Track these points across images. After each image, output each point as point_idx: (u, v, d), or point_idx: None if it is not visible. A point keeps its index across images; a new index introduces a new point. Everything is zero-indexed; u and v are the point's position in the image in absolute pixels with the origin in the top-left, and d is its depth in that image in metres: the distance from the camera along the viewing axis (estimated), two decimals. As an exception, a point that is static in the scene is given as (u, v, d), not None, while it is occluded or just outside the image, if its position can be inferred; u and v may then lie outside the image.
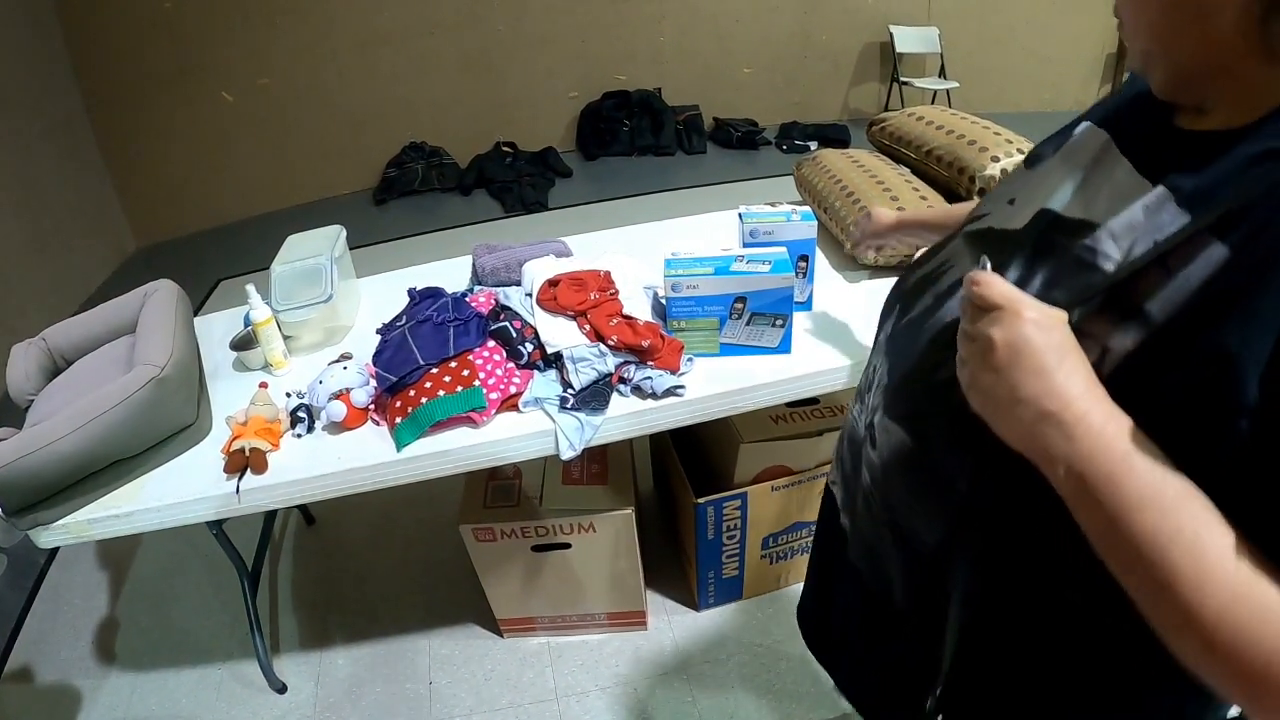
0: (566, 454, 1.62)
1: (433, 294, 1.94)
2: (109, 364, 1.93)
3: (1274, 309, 0.54)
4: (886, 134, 2.58)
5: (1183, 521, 0.56)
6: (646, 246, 2.21)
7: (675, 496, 2.27)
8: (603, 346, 1.67)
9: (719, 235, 2.35)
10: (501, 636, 2.34)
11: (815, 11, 6.41)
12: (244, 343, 2.06)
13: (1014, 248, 0.77)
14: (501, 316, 1.81)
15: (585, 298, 1.76)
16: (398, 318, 1.92)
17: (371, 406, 1.72)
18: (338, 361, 1.79)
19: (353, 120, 5.75)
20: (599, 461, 2.08)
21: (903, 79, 6.70)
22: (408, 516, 2.84)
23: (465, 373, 1.65)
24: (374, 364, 1.76)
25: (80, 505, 1.71)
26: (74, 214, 5.06)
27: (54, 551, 2.96)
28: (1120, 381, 0.62)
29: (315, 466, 1.67)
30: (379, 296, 2.22)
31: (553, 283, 1.82)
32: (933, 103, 6.84)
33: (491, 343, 1.75)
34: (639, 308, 1.82)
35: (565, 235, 2.28)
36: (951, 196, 2.23)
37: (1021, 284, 0.71)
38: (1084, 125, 0.83)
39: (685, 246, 1.81)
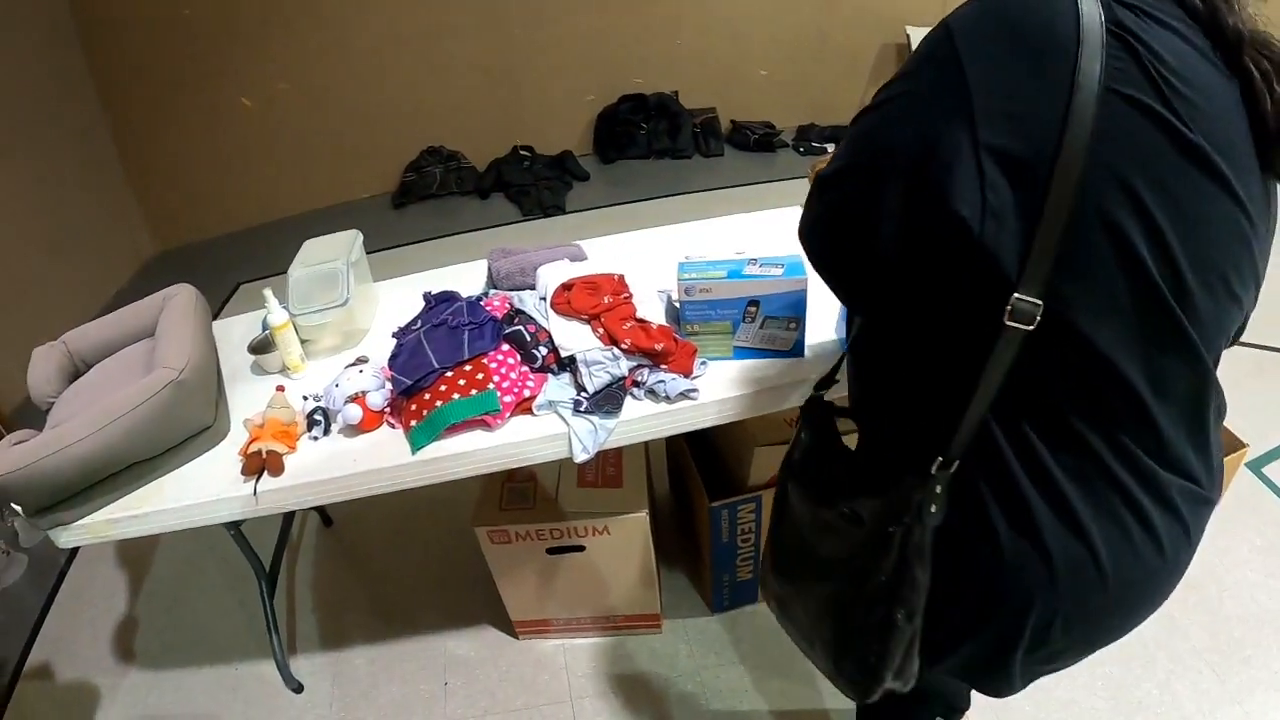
0: (580, 457, 1.63)
1: (448, 298, 1.96)
2: (128, 367, 1.95)
3: None
4: None
5: None
6: (661, 250, 2.20)
7: (690, 499, 2.27)
8: (616, 350, 1.68)
9: (733, 239, 2.35)
10: (517, 638, 2.35)
11: (831, 11, 6.32)
12: (262, 346, 2.08)
13: None
14: (516, 320, 1.81)
15: (599, 301, 1.76)
16: (413, 321, 1.93)
17: (387, 409, 1.74)
18: (354, 365, 1.80)
19: (370, 124, 5.75)
20: (614, 464, 2.08)
21: None
22: (425, 518, 2.86)
23: (479, 376, 1.66)
24: (389, 367, 1.77)
25: (100, 506, 1.73)
26: (92, 219, 5.09)
27: (74, 552, 3.00)
28: None
29: (331, 469, 1.68)
30: (396, 300, 2.23)
31: (567, 286, 1.82)
32: None
33: (506, 346, 1.76)
34: (653, 311, 1.82)
35: (582, 239, 2.29)
36: None
37: None
38: None
39: (699, 250, 1.82)
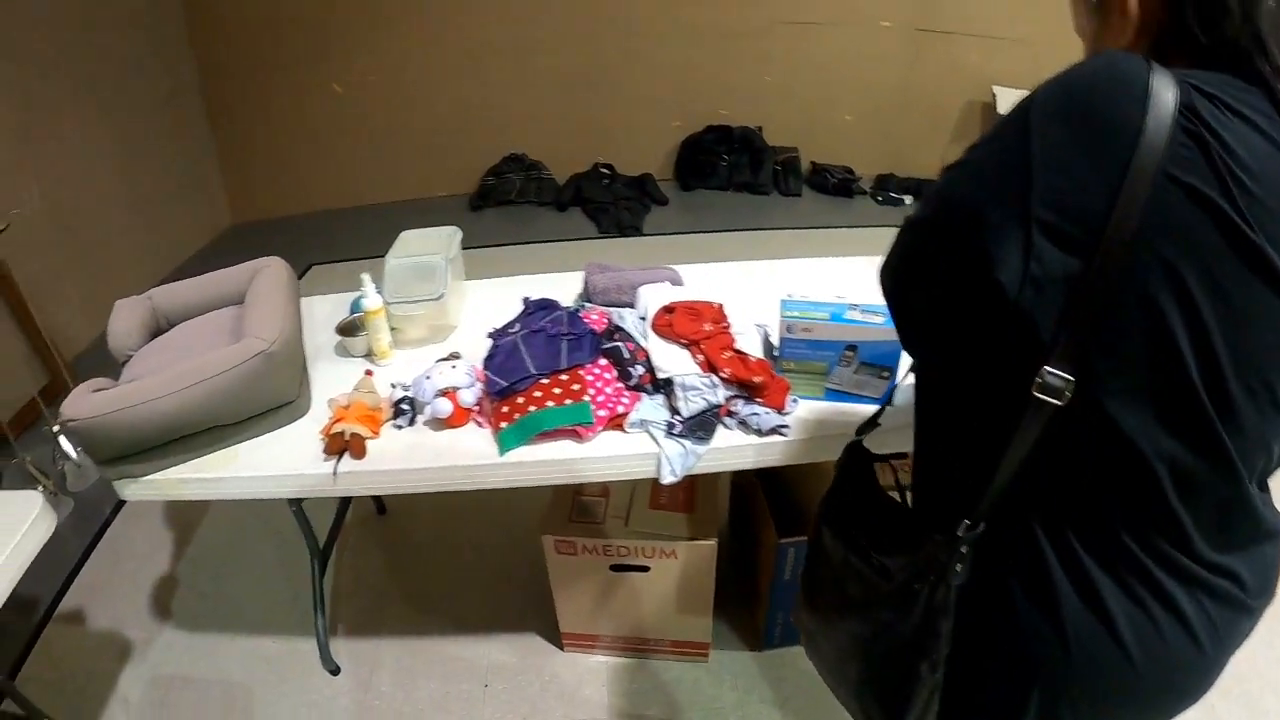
0: (667, 478, 1.62)
1: (547, 305, 1.96)
2: (214, 331, 1.97)
3: None
4: None
5: None
6: (754, 284, 2.22)
7: (755, 533, 2.25)
8: (714, 378, 1.67)
9: (824, 282, 2.33)
10: (562, 649, 2.33)
11: (920, 64, 6.31)
12: (349, 328, 2.09)
13: None
14: (615, 336, 1.81)
15: (700, 328, 1.76)
16: (510, 324, 1.94)
17: (476, 408, 1.73)
18: (446, 360, 1.81)
19: (456, 125, 5.82)
20: (687, 489, 2.07)
21: None
22: (478, 517, 2.86)
23: (575, 387, 1.66)
24: (485, 367, 1.78)
25: (171, 464, 1.74)
26: (175, 183, 5.21)
27: (120, 504, 3.02)
28: None
29: (413, 459, 1.69)
30: (484, 301, 2.24)
31: (668, 309, 1.82)
32: None
33: (603, 361, 1.76)
34: (750, 343, 1.81)
35: (661, 263, 2.28)
36: None
37: None
38: None
39: (795, 289, 1.80)
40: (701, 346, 1.73)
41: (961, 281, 0.87)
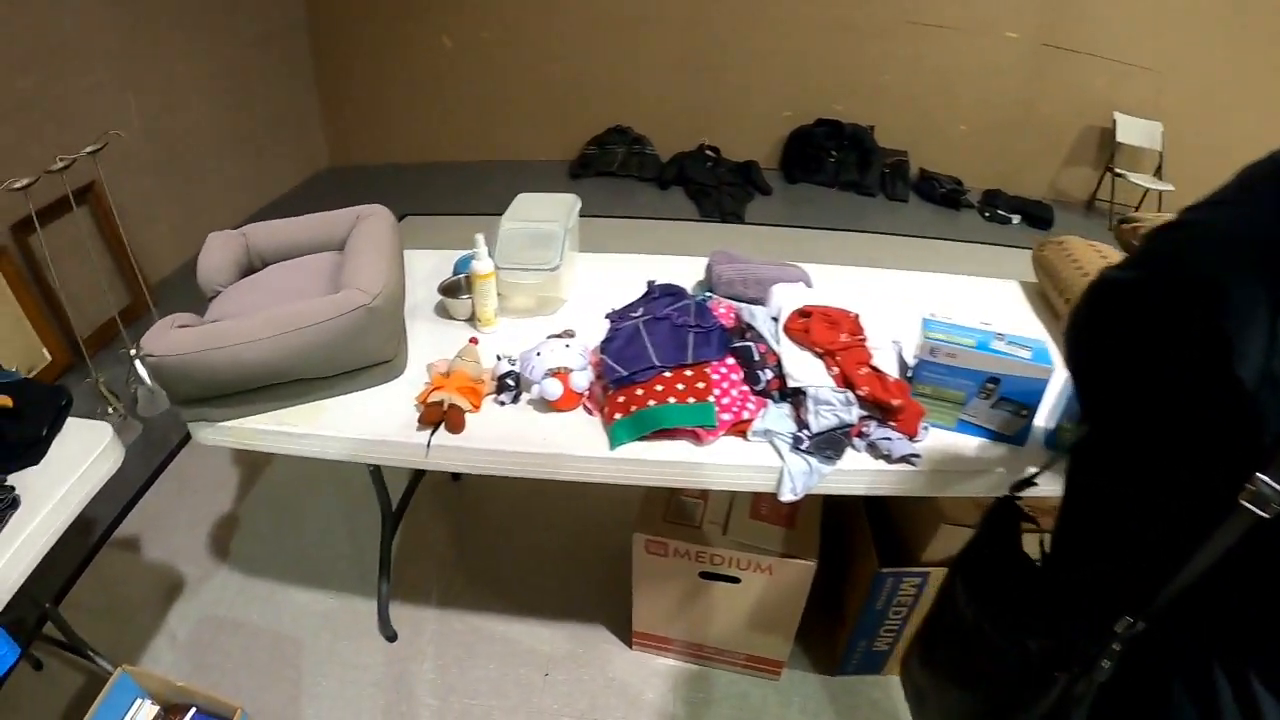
0: (786, 495, 1.50)
1: (674, 292, 1.83)
2: (310, 277, 1.87)
3: None
4: (1139, 236, 2.39)
5: None
6: (888, 293, 2.12)
7: (850, 557, 2.13)
8: (849, 394, 1.54)
9: (966, 301, 2.24)
10: (630, 647, 2.23)
11: (1042, 82, 6.14)
12: (452, 289, 2.00)
13: None
14: (746, 335, 1.68)
15: (836, 338, 1.63)
16: (631, 307, 1.81)
17: (586, 393, 1.62)
18: (559, 337, 1.70)
19: (564, 92, 5.76)
20: (791, 503, 1.95)
21: (1117, 170, 6.38)
22: (556, 498, 2.77)
23: (700, 385, 1.54)
24: (602, 352, 1.65)
25: (250, 412, 1.66)
26: (275, 120, 5.26)
27: (188, 435, 2.98)
28: None
29: (515, 441, 1.58)
30: (596, 276, 2.14)
31: (803, 313, 1.69)
32: (1142, 202, 6.56)
33: (730, 360, 1.63)
34: (886, 360, 1.68)
35: (763, 255, 2.16)
36: None
37: None
38: None
39: (939, 308, 1.68)
40: (837, 358, 1.60)
41: (1180, 364, 0.78)
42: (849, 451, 1.56)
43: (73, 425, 1.70)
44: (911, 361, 1.72)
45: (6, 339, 3.15)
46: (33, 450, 1.61)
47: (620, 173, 5.68)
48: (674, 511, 1.92)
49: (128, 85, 3.90)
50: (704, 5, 5.54)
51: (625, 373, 1.55)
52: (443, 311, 2.00)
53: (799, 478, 1.50)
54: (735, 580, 1.93)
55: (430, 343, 1.87)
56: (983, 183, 6.27)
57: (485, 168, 5.81)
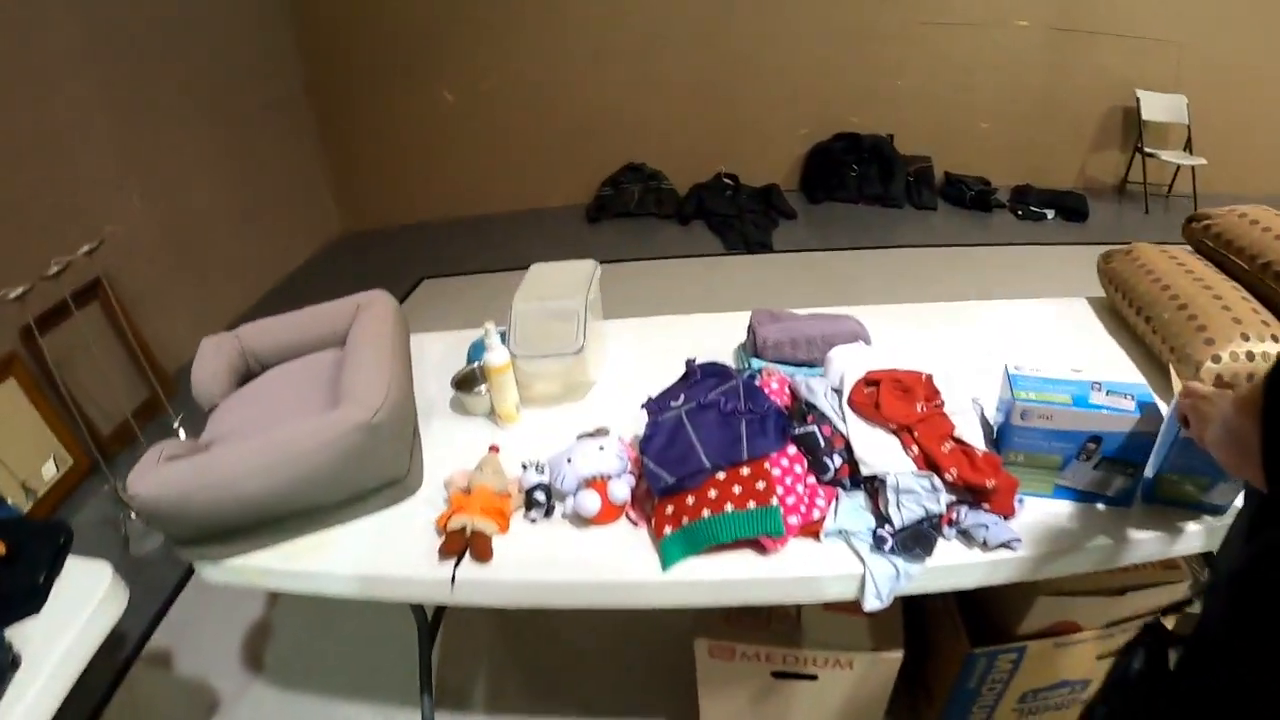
0: (872, 605, 1.28)
1: (717, 372, 1.60)
2: (309, 382, 1.69)
3: None
4: (1211, 235, 2.16)
5: None
6: (958, 336, 1.94)
7: (935, 635, 1.91)
8: (935, 479, 1.32)
9: (1036, 328, 2.08)
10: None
11: (1059, 67, 5.99)
12: (468, 381, 1.80)
13: None
14: (808, 418, 1.46)
15: (911, 409, 1.40)
16: (670, 393, 1.57)
17: (630, 500, 1.41)
18: (592, 437, 1.49)
19: (572, 134, 5.62)
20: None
21: (1147, 150, 6.18)
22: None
23: (760, 485, 1.32)
24: (643, 452, 1.42)
25: (255, 547, 1.47)
26: (285, 190, 5.16)
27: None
28: None
29: (551, 567, 1.37)
30: (627, 348, 1.95)
31: (869, 381, 1.47)
32: (1174, 179, 6.36)
33: (792, 449, 1.41)
34: (968, 426, 1.46)
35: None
36: None
37: None
38: None
39: (1024, 358, 1.47)
40: (915, 435, 1.37)
41: None
42: (940, 542, 1.34)
43: (73, 566, 1.54)
44: (995, 420, 1.51)
45: (27, 445, 3.04)
46: (31, 599, 1.44)
47: (638, 211, 5.50)
48: (738, 610, 1.70)
49: (129, 171, 3.80)
50: (708, 28, 5.39)
51: (672, 479, 1.33)
52: (459, 407, 1.80)
53: (884, 583, 1.28)
54: (813, 678, 1.71)
55: (447, 445, 1.68)
56: (1011, 180, 6.11)
57: (500, 220, 5.66)
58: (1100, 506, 1.46)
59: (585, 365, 1.73)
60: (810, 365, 1.72)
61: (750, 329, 1.81)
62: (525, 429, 1.71)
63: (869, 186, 5.70)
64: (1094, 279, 2.26)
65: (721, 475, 1.34)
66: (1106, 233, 5.69)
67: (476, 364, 1.80)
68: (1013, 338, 2.03)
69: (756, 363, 1.73)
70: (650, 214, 5.49)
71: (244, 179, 4.69)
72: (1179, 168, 6.28)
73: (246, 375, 1.83)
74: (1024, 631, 1.75)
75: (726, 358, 1.85)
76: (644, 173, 5.65)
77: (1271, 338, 1.78)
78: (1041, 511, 1.44)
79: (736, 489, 1.31)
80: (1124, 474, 1.41)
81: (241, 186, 4.66)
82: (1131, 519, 1.43)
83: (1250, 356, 1.75)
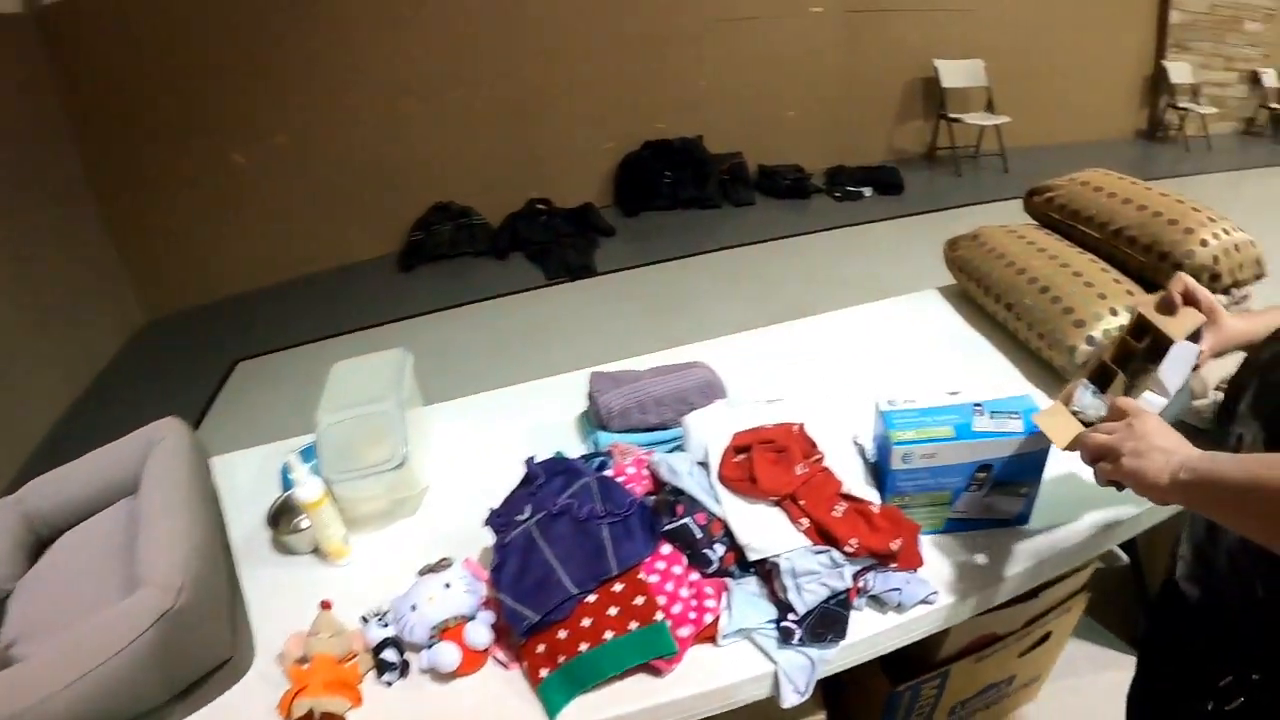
0: (791, 700, 1.12)
1: (563, 469, 1.37)
2: (105, 553, 1.40)
3: None
4: (1056, 206, 2.13)
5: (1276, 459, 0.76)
6: (817, 357, 1.85)
7: (854, 677, 1.79)
8: (836, 554, 1.16)
9: (892, 330, 2.00)
10: None
11: (857, 49, 6.16)
12: (284, 515, 1.54)
13: None
14: (677, 509, 1.25)
15: (791, 474, 1.24)
16: (515, 504, 1.33)
17: (493, 643, 1.19)
18: (434, 572, 1.26)
19: (374, 180, 5.29)
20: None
21: (951, 115, 6.43)
22: None
23: (639, 600, 1.12)
24: (495, 583, 1.19)
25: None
26: (77, 287, 4.66)
27: None
28: None
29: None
30: (455, 434, 1.72)
31: (738, 448, 1.29)
32: (980, 139, 6.64)
33: (666, 547, 1.22)
34: (851, 474, 1.32)
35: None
36: (1150, 286, 1.83)
37: None
38: None
39: (893, 390, 1.35)
40: (801, 504, 1.21)
41: None
42: (853, 614, 1.19)
43: None
44: (871, 456, 1.38)
45: None
46: None
47: (452, 253, 5.25)
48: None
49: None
50: (500, 55, 5.22)
51: (536, 616, 1.12)
52: (281, 546, 1.55)
53: (800, 677, 1.12)
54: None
55: (275, 595, 1.40)
56: (822, 162, 6.24)
57: (311, 282, 5.27)
58: (994, 532, 1.37)
59: (413, 474, 1.49)
60: (664, 428, 1.54)
61: (591, 398, 1.61)
62: (359, 564, 1.46)
63: (684, 191, 5.66)
64: (930, 250, 2.19)
65: (592, 598, 1.13)
66: (924, 201, 5.84)
67: (291, 491, 1.55)
68: (873, 347, 1.94)
69: (604, 437, 1.52)
70: (465, 253, 5.26)
71: (27, 286, 4.18)
72: (984, 128, 6.56)
73: (39, 546, 1.52)
74: (944, 657, 1.66)
75: (569, 432, 1.65)
76: (453, 211, 5.40)
77: (1128, 291, 1.75)
78: (942, 549, 1.33)
79: (613, 610, 1.12)
80: (1017, 494, 1.33)
81: (28, 290, 4.17)
82: (1037, 534, 1.36)
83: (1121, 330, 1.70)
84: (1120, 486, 0.97)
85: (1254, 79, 8.33)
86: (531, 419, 1.70)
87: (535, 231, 5.25)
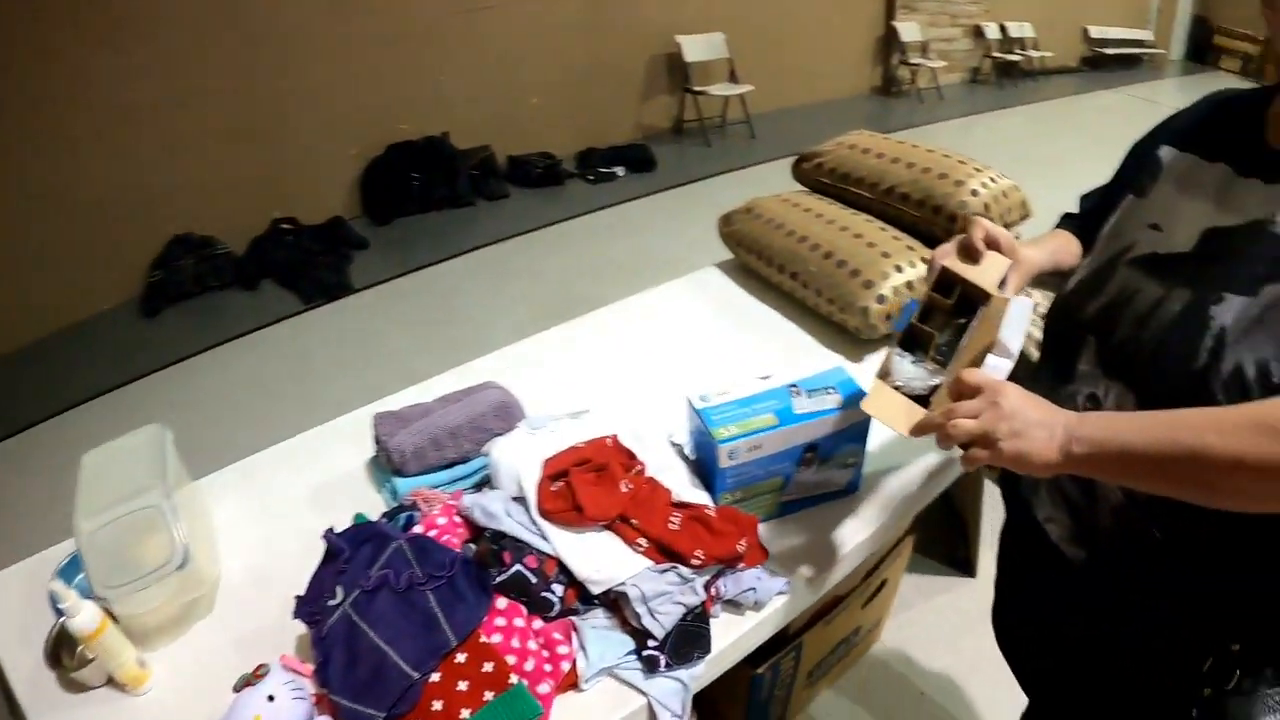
0: (672, 725, 1.06)
1: (369, 536, 1.20)
2: None
3: None
4: (826, 171, 2.18)
5: (1182, 420, 0.77)
6: (602, 359, 1.79)
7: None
8: (683, 569, 1.11)
9: (680, 313, 1.99)
10: None
11: (598, 30, 6.20)
12: (63, 646, 1.33)
13: (1182, 266, 0.94)
14: (504, 555, 1.13)
15: (617, 494, 1.17)
16: (323, 585, 1.16)
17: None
18: (253, 684, 1.11)
19: (99, 220, 4.63)
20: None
21: (695, 88, 6.60)
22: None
23: (487, 666, 1.02)
24: (322, 682, 1.05)
25: None
26: None
27: None
28: None
29: None
30: (235, 508, 1.53)
31: (554, 475, 1.21)
32: (726, 107, 6.86)
33: (502, 600, 1.11)
34: (676, 477, 1.28)
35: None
36: (928, 240, 1.91)
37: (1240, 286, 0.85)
38: (1169, 151, 1.05)
39: (705, 383, 1.30)
40: (634, 523, 1.15)
41: None
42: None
43: None
44: (691, 453, 1.34)
45: None
46: None
47: (198, 289, 4.79)
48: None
49: None
50: (231, 69, 4.83)
51: (380, 713, 0.99)
52: (73, 685, 1.34)
53: (674, 701, 1.07)
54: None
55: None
56: (573, 146, 6.27)
57: (45, 346, 4.49)
58: (828, 505, 1.38)
59: (199, 569, 1.31)
60: (465, 462, 1.43)
61: (379, 442, 1.46)
62: (164, 687, 1.28)
63: (435, 191, 5.50)
64: (694, 222, 2.19)
65: (436, 676, 1.01)
66: (677, 174, 5.96)
67: (65, 617, 1.34)
68: (665, 335, 1.90)
69: (402, 484, 1.38)
70: (212, 288, 4.81)
71: None
72: (728, 98, 6.79)
73: None
74: (795, 629, 1.69)
75: (362, 482, 1.50)
76: (193, 242, 4.91)
77: (922, 260, 1.80)
78: (782, 535, 1.32)
79: (462, 685, 1.01)
80: (845, 465, 1.33)
81: None
82: (870, 498, 1.39)
83: (910, 286, 1.74)
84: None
85: (977, 32, 9.38)
86: (319, 472, 1.53)
87: (283, 253, 4.91)
